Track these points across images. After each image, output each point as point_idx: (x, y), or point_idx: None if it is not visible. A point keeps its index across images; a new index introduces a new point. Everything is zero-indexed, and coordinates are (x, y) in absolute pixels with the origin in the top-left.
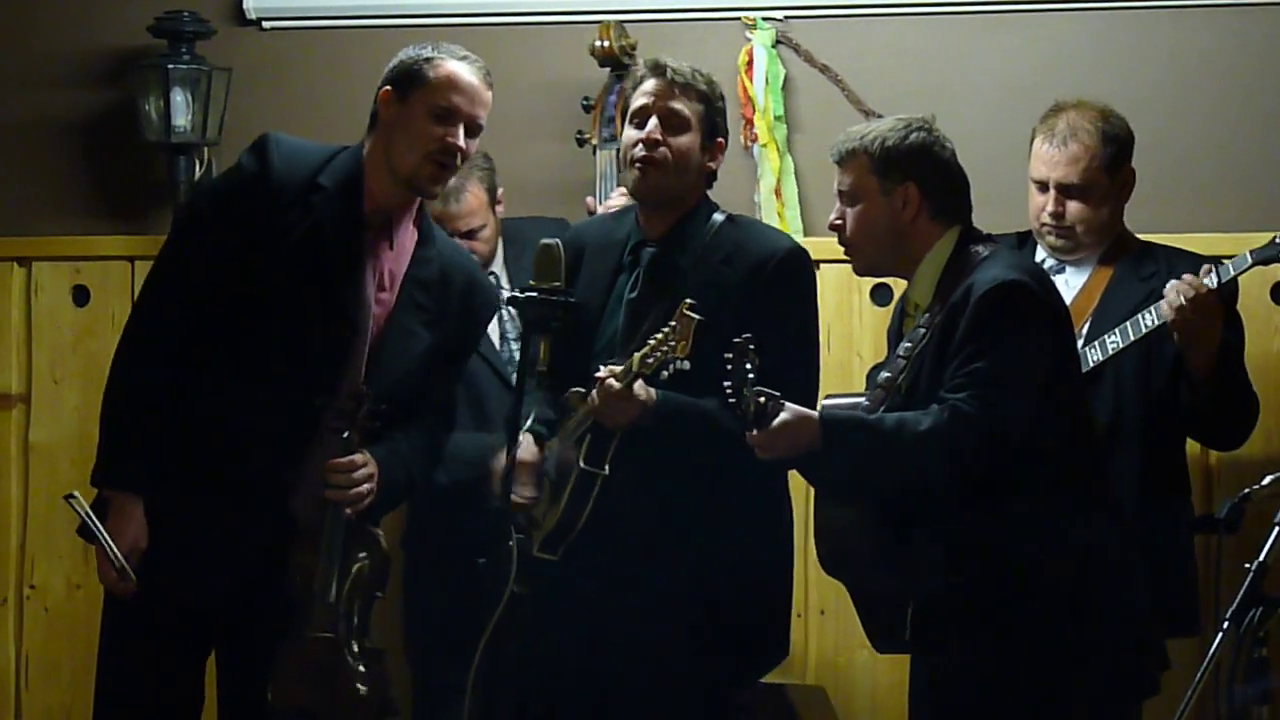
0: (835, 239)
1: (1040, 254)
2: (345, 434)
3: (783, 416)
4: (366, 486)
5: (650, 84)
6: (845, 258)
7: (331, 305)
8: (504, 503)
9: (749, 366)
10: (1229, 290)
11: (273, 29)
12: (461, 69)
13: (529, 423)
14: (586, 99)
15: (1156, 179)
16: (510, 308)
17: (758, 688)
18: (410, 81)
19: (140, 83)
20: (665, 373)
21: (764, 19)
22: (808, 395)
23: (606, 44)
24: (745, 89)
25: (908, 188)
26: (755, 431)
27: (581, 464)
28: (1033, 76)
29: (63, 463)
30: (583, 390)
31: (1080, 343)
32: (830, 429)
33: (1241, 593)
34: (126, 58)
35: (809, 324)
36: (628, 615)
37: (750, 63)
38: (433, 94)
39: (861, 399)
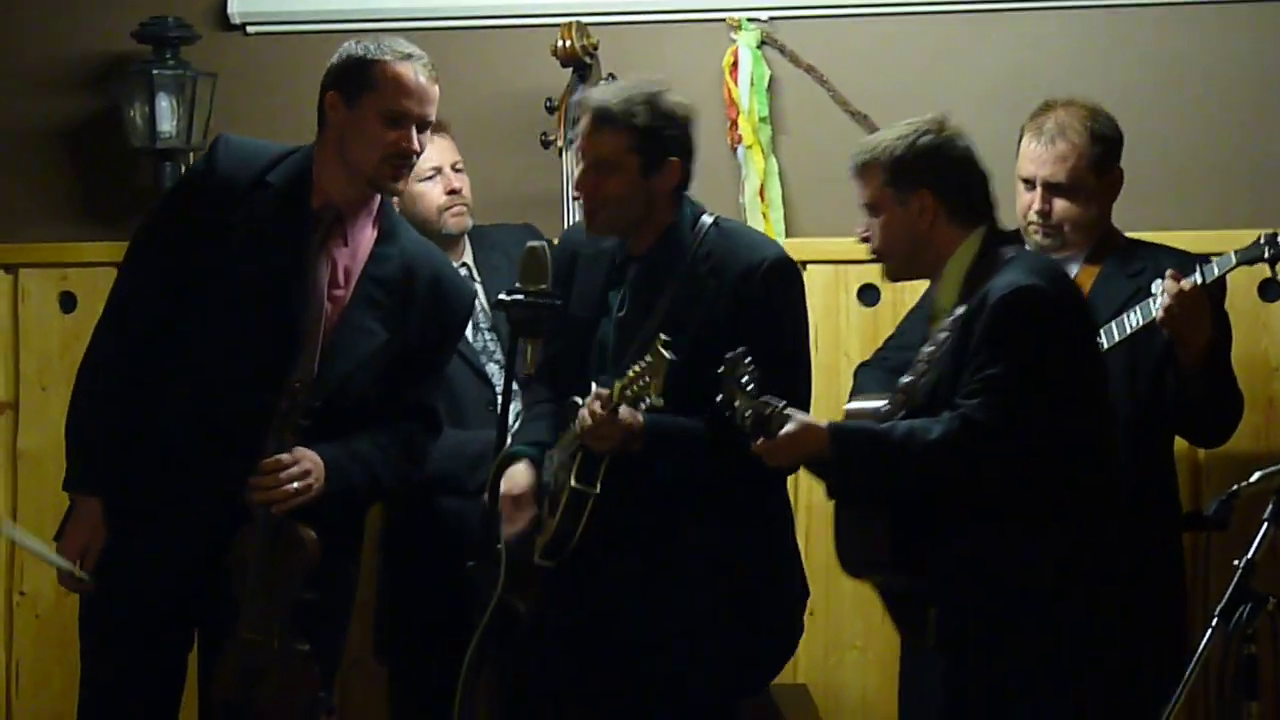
0: (819, 239)
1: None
2: (277, 431)
3: (789, 427)
4: (295, 486)
5: (582, 123)
6: (831, 258)
7: (277, 301)
8: (490, 505)
9: (746, 378)
10: (1216, 290)
11: (257, 34)
12: (406, 71)
13: (516, 445)
14: (550, 100)
15: (1138, 176)
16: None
17: None
18: (357, 85)
19: (125, 89)
20: (643, 405)
21: (749, 20)
22: (802, 403)
23: (568, 44)
24: (730, 90)
25: (922, 195)
26: (760, 440)
27: (573, 483)
28: (1018, 74)
29: (50, 468)
30: (579, 401)
31: None
32: (839, 440)
33: (1230, 589)
34: (111, 64)
35: (800, 332)
36: (633, 630)
37: (735, 64)
38: (381, 100)
39: (884, 402)
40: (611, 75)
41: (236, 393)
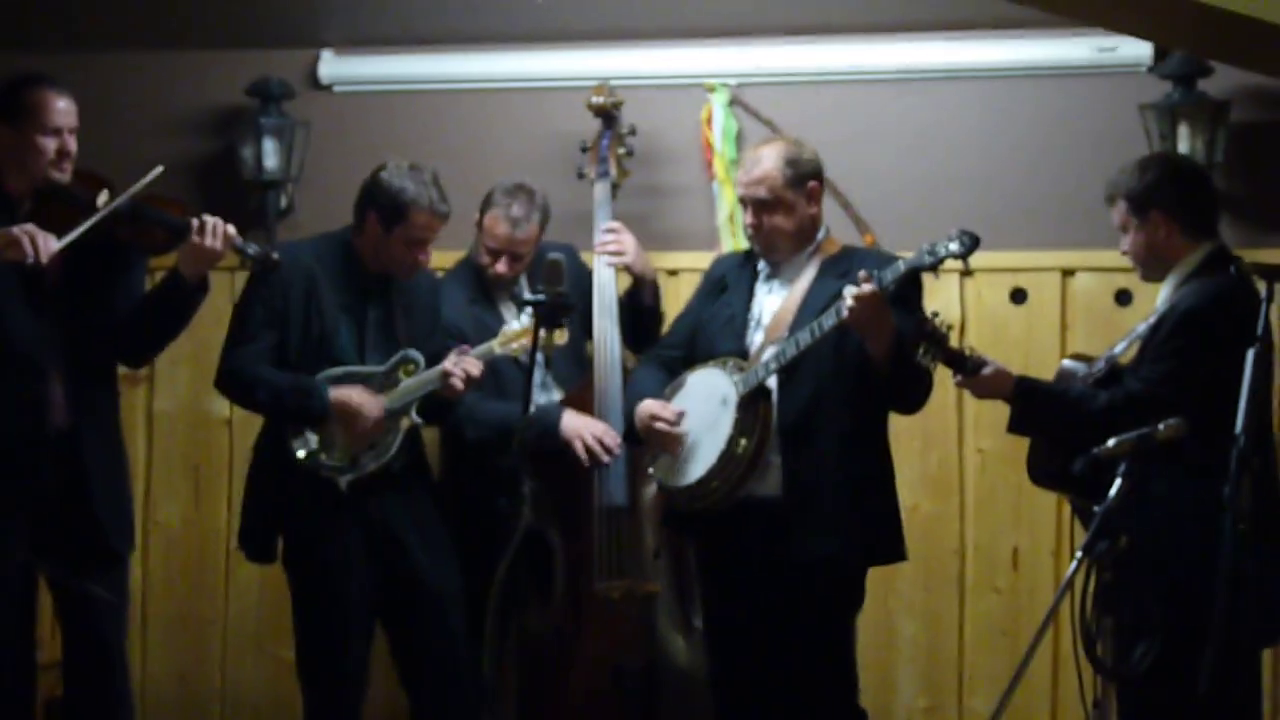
0: None
1: (761, 262)
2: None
3: (985, 370)
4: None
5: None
6: None
7: None
8: (518, 458)
9: (937, 330)
10: (911, 293)
11: (342, 93)
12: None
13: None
14: (584, 143)
15: (1027, 207)
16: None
17: None
18: None
19: (239, 133)
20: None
21: (721, 84)
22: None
23: (602, 100)
24: (707, 138)
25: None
26: (960, 377)
27: (415, 418)
28: (930, 129)
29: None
30: (413, 356)
31: (788, 334)
32: (1021, 388)
33: (1091, 530)
34: (228, 114)
35: None
36: None
37: (710, 118)
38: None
39: (1094, 364)
40: (632, 127)
41: None
